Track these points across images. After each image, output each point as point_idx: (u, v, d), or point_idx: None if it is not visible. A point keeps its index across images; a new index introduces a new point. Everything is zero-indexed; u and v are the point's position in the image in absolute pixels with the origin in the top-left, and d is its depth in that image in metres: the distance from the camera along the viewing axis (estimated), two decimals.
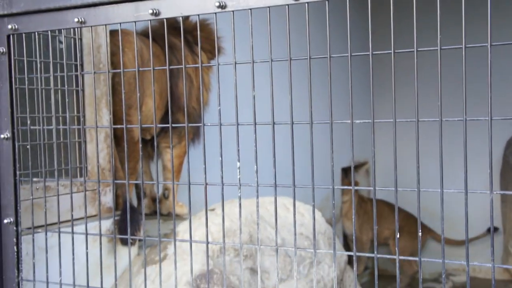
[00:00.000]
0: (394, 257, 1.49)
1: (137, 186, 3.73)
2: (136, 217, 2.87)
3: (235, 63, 1.67)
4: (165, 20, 1.75)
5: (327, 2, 1.52)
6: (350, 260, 4.05)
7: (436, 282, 7.47)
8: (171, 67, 1.77)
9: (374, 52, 1.51)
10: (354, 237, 1.63)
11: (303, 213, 3.39)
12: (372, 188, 1.51)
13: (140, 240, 3.01)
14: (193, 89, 3.69)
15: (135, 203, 3.73)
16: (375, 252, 1.52)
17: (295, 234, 1.61)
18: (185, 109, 1.81)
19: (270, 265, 2.95)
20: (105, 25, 1.82)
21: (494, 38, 1.35)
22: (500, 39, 1.42)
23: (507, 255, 7.65)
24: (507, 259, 7.63)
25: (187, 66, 1.76)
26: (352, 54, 1.52)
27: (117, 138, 3.01)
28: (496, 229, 7.73)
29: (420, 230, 1.55)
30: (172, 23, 3.42)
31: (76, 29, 2.46)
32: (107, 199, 2.89)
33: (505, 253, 7.72)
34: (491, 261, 1.42)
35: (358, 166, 8.32)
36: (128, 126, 1.93)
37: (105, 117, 2.86)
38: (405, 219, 7.30)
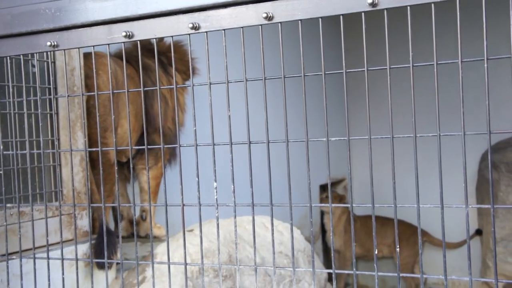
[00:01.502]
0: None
1: (114, 209, 3.70)
2: (113, 240, 2.84)
3: (210, 83, 1.67)
4: (138, 42, 1.75)
5: (299, 22, 1.53)
6: (330, 277, 4.05)
7: None
8: (145, 88, 1.77)
9: (347, 70, 1.52)
10: (332, 255, 1.63)
11: (282, 232, 3.39)
12: (349, 205, 1.52)
13: (117, 263, 2.98)
14: (168, 110, 3.69)
15: (112, 226, 3.70)
16: (354, 269, 1.52)
17: (273, 253, 1.61)
18: (161, 130, 1.81)
19: (250, 285, 2.93)
20: (78, 48, 1.81)
21: (467, 53, 1.37)
22: (473, 54, 1.44)
23: (485, 268, 7.71)
24: (485, 272, 7.68)
25: (162, 87, 1.76)
26: (326, 72, 1.53)
27: (92, 161, 2.99)
28: (480, 231, 7.79)
29: (398, 247, 1.56)
30: (146, 44, 3.41)
31: (49, 52, 2.45)
32: (83, 222, 2.86)
33: (483, 266, 7.78)
34: (468, 275, 1.43)
35: (336, 183, 8.35)
36: (104, 149, 1.92)
37: (80, 140, 2.83)
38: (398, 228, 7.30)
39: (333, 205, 1.54)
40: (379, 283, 1.51)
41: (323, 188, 7.80)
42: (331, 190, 1.54)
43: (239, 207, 1.68)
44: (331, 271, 1.55)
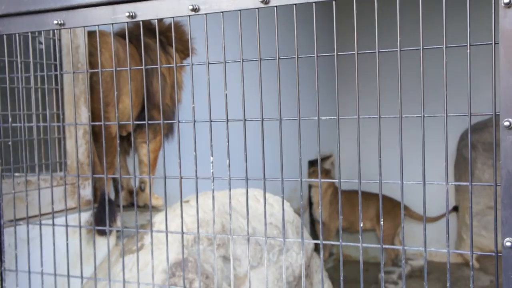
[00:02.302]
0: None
1: (114, 179, 3.71)
2: (113, 209, 2.86)
3: (208, 63, 1.67)
4: (141, 22, 1.74)
5: (294, 6, 1.53)
6: (316, 247, 4.09)
7: (396, 266, 7.57)
8: (147, 67, 1.76)
9: (339, 53, 1.52)
10: (320, 227, 1.65)
11: (272, 204, 3.41)
12: (337, 180, 1.53)
13: (117, 231, 3.00)
14: (166, 87, 3.68)
15: (112, 196, 3.71)
16: (340, 241, 1.54)
17: (265, 225, 1.62)
18: (161, 107, 1.81)
19: (241, 253, 2.96)
20: (84, 27, 1.80)
21: (451, 39, 1.37)
22: (458, 40, 1.45)
23: (460, 240, 7.81)
24: (460, 244, 7.78)
25: (162, 66, 1.75)
26: (319, 55, 1.54)
27: (95, 134, 2.99)
28: (456, 208, 7.88)
29: (382, 220, 1.57)
30: (146, 24, 3.39)
31: (55, 30, 2.43)
32: (86, 192, 2.87)
33: (458, 239, 7.87)
34: (446, 247, 1.45)
35: (324, 159, 8.38)
36: (106, 123, 1.92)
37: (84, 115, 2.83)
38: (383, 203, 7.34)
39: (322, 180, 1.55)
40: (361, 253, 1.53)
41: (312, 163, 7.82)
42: (320, 166, 1.55)
43: (232, 180, 1.69)
44: (318, 242, 1.57)
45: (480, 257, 7.28)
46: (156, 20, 1.81)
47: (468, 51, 1.38)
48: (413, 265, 7.66)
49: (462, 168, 7.77)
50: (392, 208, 7.43)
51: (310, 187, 7.90)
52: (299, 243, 3.30)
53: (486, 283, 6.87)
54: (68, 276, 1.95)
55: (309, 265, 3.56)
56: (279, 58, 1.57)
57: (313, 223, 8.20)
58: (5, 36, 1.93)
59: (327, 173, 7.94)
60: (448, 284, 1.45)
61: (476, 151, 7.47)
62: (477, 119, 7.56)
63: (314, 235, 8.03)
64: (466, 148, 7.68)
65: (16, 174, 2.29)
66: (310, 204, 8.07)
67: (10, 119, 2.02)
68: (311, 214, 8.15)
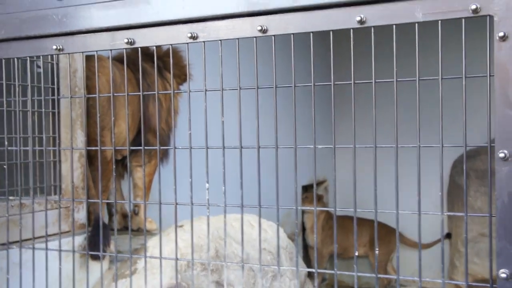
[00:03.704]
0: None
1: (108, 203, 3.68)
2: (107, 233, 2.84)
3: (206, 90, 1.67)
4: (139, 49, 1.75)
5: (292, 35, 1.54)
6: (309, 273, 4.06)
7: None
8: (145, 93, 1.77)
9: (336, 83, 1.53)
10: (315, 255, 1.64)
11: (266, 229, 3.40)
12: (333, 209, 1.53)
13: (111, 256, 2.97)
14: (162, 111, 3.68)
15: (106, 220, 3.69)
16: (335, 269, 1.53)
17: (260, 252, 1.61)
18: (157, 132, 1.81)
19: (234, 278, 2.94)
20: (83, 52, 1.80)
21: (446, 68, 1.38)
22: (453, 70, 1.46)
23: (453, 267, 7.78)
24: (453, 271, 7.75)
25: (160, 92, 1.75)
26: (315, 83, 1.54)
27: (90, 158, 2.98)
28: (449, 235, 7.87)
29: (377, 249, 1.57)
30: (143, 49, 3.40)
31: (54, 55, 2.43)
32: (80, 216, 2.85)
33: (451, 266, 7.84)
34: (441, 277, 1.44)
35: (317, 184, 8.37)
36: (103, 148, 1.92)
37: (79, 138, 2.82)
38: (373, 228, 7.31)
39: (318, 208, 1.54)
40: (354, 279, 1.52)
41: (305, 188, 7.81)
42: (315, 193, 1.55)
43: (226, 206, 1.68)
44: (313, 270, 1.56)
45: (472, 285, 7.25)
46: (154, 48, 1.81)
47: (464, 82, 1.39)
48: None
49: (455, 194, 7.78)
50: (386, 234, 7.40)
51: (303, 212, 7.87)
52: (293, 269, 3.28)
53: None
54: None
55: None
56: (276, 87, 1.58)
57: (306, 248, 8.16)
58: (3, 60, 1.94)
59: (319, 199, 7.92)
60: None
61: (469, 178, 7.48)
62: (468, 147, 7.58)
63: (307, 260, 7.99)
64: (459, 175, 7.70)
65: (11, 197, 2.27)
66: (303, 229, 8.03)
67: (6, 143, 2.01)
68: (304, 240, 8.11)
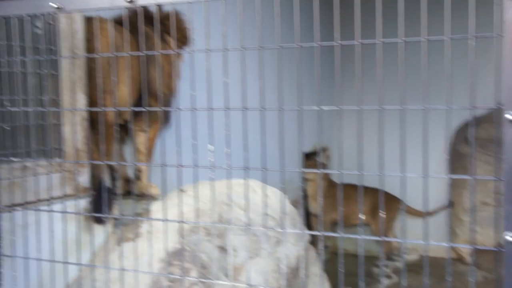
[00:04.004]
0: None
1: (111, 168, 3.67)
2: (110, 197, 2.83)
3: (208, 50, 1.64)
4: (140, 7, 1.71)
5: None
6: (312, 240, 4.07)
7: (390, 260, 7.57)
8: (146, 52, 1.73)
9: (341, 42, 1.50)
10: (319, 219, 1.63)
11: (269, 195, 3.39)
12: (339, 172, 1.51)
13: (114, 219, 2.97)
14: (163, 76, 3.64)
15: (109, 184, 3.69)
16: (341, 233, 1.52)
17: (264, 216, 1.60)
18: (159, 94, 1.78)
19: (238, 244, 2.94)
20: (82, 11, 1.76)
21: (453, 32, 1.35)
22: (459, 33, 1.42)
23: (455, 236, 7.81)
24: (454, 240, 7.78)
25: (162, 52, 1.72)
26: (320, 44, 1.51)
27: (92, 121, 2.95)
28: (452, 203, 7.87)
29: (384, 213, 1.56)
30: (143, 12, 3.35)
31: (53, 15, 2.39)
32: (83, 179, 2.83)
33: (452, 235, 7.88)
34: (445, 241, 1.43)
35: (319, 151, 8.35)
36: (105, 109, 1.89)
37: (80, 101, 2.79)
38: (374, 196, 7.31)
39: (321, 170, 1.53)
40: (355, 246, 1.52)
41: (307, 155, 7.79)
42: (318, 158, 1.53)
43: (229, 170, 1.66)
44: (319, 233, 1.55)
45: (472, 252, 7.28)
46: (155, 7, 1.77)
47: (472, 42, 1.36)
48: (407, 260, 7.67)
49: (456, 162, 7.77)
50: (387, 201, 7.41)
51: (304, 180, 7.87)
52: (295, 234, 3.29)
53: (479, 278, 6.88)
54: (65, 262, 1.93)
55: (305, 257, 3.54)
56: (280, 47, 1.55)
57: (308, 216, 8.19)
58: (4, 21, 1.90)
59: (322, 167, 7.92)
60: (450, 279, 1.43)
61: (471, 147, 7.46)
62: (472, 115, 7.54)
63: (309, 227, 8.02)
64: (461, 144, 7.68)
65: (13, 159, 2.26)
66: (305, 196, 8.05)
67: (8, 104, 1.99)
68: (305, 207, 8.13)
